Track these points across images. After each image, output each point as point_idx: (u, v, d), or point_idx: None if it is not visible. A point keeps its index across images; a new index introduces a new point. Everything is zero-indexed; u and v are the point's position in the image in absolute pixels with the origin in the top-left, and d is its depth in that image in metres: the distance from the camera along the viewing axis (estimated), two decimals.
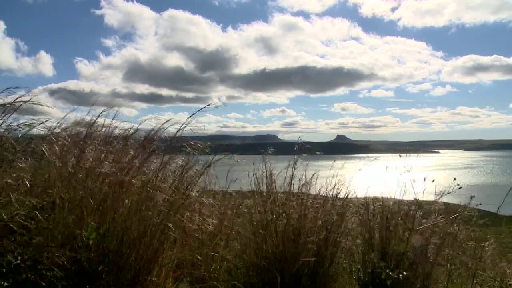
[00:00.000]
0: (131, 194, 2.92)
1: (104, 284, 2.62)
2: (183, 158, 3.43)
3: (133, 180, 2.96)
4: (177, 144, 3.35)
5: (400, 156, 4.60)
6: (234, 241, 3.93)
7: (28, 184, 2.70)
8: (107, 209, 2.79)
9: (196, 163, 3.49)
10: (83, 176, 2.90)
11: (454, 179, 4.16)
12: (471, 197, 4.56)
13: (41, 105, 3.08)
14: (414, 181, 4.11)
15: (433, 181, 4.21)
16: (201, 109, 3.36)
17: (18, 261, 2.19)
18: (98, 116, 3.53)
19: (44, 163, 3.00)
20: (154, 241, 2.86)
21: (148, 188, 2.94)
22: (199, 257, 3.37)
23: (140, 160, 3.13)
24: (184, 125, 3.31)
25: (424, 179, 4.11)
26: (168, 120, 3.39)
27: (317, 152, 4.08)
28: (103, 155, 3.11)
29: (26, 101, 3.04)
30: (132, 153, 3.25)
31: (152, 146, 3.31)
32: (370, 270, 3.98)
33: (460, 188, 4.13)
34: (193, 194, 3.36)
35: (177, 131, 3.32)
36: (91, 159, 3.05)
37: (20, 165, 2.98)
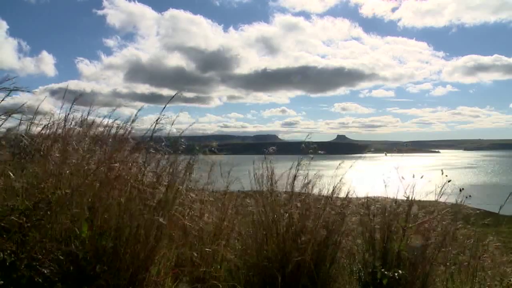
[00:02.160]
0: (123, 191, 2.88)
1: (103, 284, 2.61)
2: (167, 156, 3.42)
3: (124, 177, 2.92)
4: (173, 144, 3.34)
5: (386, 155, 4.59)
6: (234, 240, 3.92)
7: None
8: (98, 206, 2.77)
9: (193, 161, 3.49)
10: (69, 173, 2.88)
11: (442, 173, 4.14)
12: (462, 192, 4.52)
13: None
14: (403, 178, 4.13)
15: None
16: (172, 97, 3.35)
17: (13, 259, 2.16)
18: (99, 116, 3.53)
19: (39, 160, 2.99)
20: (149, 239, 2.84)
21: (137, 185, 2.92)
22: (195, 254, 3.35)
23: (124, 156, 3.09)
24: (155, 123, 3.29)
25: (421, 176, 4.12)
26: (168, 119, 3.38)
27: (320, 152, 4.08)
28: (95, 153, 3.09)
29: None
30: (127, 151, 3.23)
31: (144, 145, 3.29)
32: (370, 270, 3.96)
33: (449, 181, 4.13)
34: (184, 190, 3.33)
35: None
36: (81, 156, 3.03)
37: None
